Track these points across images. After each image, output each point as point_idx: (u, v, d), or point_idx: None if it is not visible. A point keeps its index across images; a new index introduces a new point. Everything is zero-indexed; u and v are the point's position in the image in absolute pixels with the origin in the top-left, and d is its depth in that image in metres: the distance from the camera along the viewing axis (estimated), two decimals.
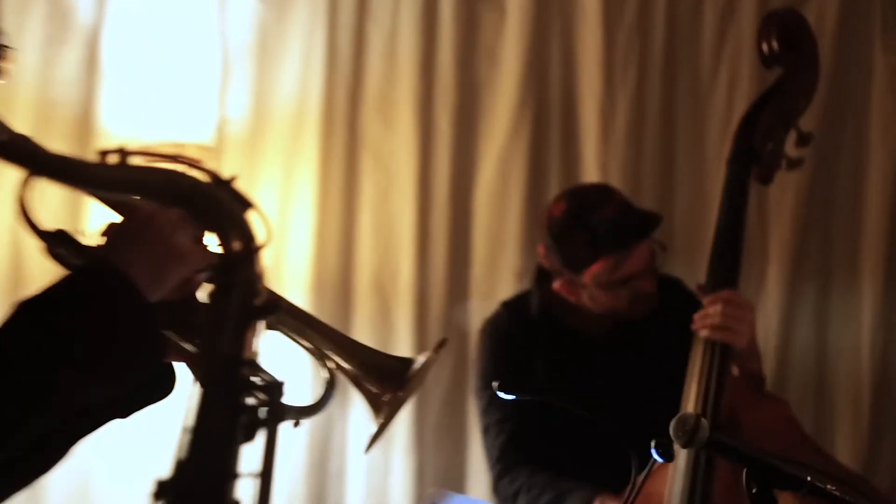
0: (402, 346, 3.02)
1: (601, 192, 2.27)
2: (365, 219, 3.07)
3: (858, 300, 3.02)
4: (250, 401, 0.97)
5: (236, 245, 1.00)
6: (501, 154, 3.04)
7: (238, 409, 0.95)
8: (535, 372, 2.30)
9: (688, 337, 2.14)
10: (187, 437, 0.93)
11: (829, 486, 1.33)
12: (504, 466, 2.25)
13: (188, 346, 1.07)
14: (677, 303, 2.33)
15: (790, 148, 2.31)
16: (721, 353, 2.06)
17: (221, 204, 1.02)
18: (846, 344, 3.02)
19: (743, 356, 2.10)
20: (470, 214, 3.08)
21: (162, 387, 1.12)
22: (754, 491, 1.35)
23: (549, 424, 2.24)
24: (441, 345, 1.34)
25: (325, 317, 2.95)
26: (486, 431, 2.32)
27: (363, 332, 3.03)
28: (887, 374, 3.02)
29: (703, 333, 2.09)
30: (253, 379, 0.97)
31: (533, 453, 2.25)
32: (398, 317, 3.03)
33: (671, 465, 1.98)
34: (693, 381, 2.06)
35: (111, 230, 1.09)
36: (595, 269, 2.17)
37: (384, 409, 1.32)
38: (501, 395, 1.51)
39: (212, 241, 1.05)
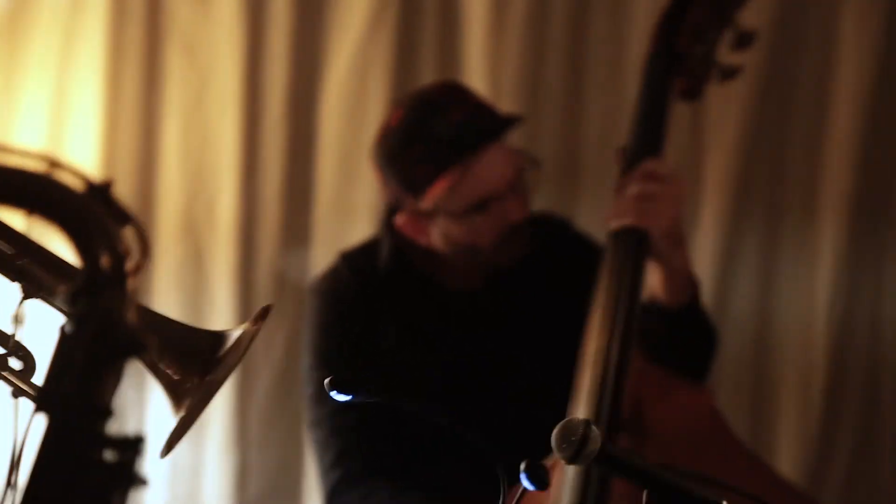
0: (218, 306, 3.01)
1: (449, 93, 2.27)
2: (170, 132, 3.03)
3: (814, 248, 3.10)
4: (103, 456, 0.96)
5: (103, 263, 0.99)
6: (358, 47, 3.03)
7: (83, 466, 0.94)
8: (385, 343, 2.31)
9: (582, 289, 2.18)
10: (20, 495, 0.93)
11: None
12: (344, 475, 2.22)
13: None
14: (566, 247, 2.38)
15: (726, 52, 2.36)
16: (631, 282, 2.11)
17: (87, 212, 1.00)
18: (796, 305, 3.11)
19: (663, 246, 2.15)
20: (314, 129, 3.06)
21: None
22: None
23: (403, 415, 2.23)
24: (264, 313, 1.33)
25: None
26: (316, 425, 2.29)
27: (166, 290, 3.02)
28: (847, 346, 3.13)
29: (612, 224, 2.16)
30: (107, 432, 0.96)
31: (382, 456, 2.25)
32: (214, 267, 3.02)
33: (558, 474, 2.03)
34: (592, 338, 2.10)
35: None
36: (437, 191, 2.18)
37: (187, 400, 1.32)
38: (334, 395, 1.51)
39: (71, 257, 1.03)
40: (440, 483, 2.21)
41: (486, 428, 2.19)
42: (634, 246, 2.15)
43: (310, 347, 2.35)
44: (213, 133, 3.04)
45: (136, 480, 0.96)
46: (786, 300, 3.06)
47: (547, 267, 2.32)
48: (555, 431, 1.40)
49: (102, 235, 1.00)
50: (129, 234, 1.07)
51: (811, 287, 3.12)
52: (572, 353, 2.26)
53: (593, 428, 1.41)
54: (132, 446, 0.96)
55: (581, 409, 2.05)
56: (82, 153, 3.01)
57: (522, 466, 1.38)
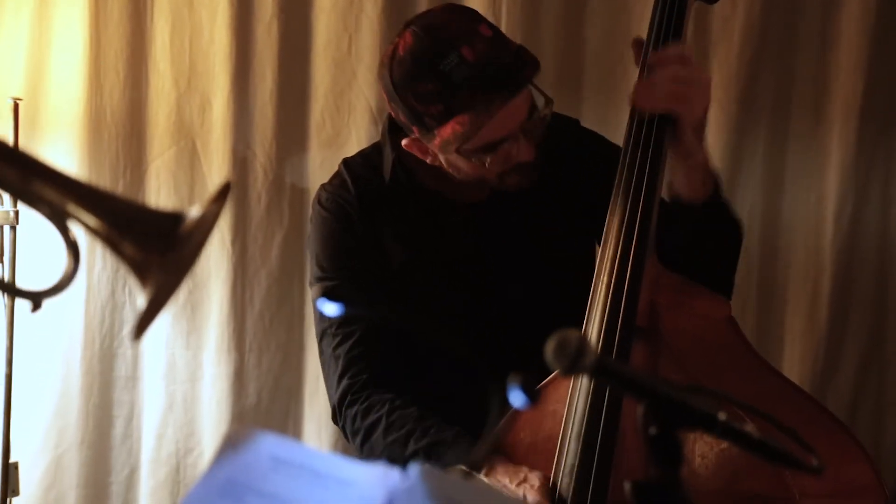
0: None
1: (463, 22, 2.16)
2: (160, 35, 3.01)
3: (822, 153, 3.08)
4: None
5: None
6: None
7: None
8: (388, 253, 2.29)
9: (597, 187, 2.15)
10: None
11: (747, 427, 1.37)
12: (350, 388, 2.23)
13: None
14: (578, 146, 2.31)
15: None
16: (653, 162, 2.07)
17: None
18: (804, 210, 3.09)
19: (689, 137, 2.08)
20: (307, 29, 3.03)
21: None
22: (653, 433, 1.38)
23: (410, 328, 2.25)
24: (223, 192, 1.31)
25: (107, 170, 2.99)
26: (322, 337, 2.29)
27: (159, 193, 3.01)
28: (855, 250, 3.12)
29: (641, 107, 2.08)
30: None
31: (386, 368, 2.24)
32: (208, 170, 3.02)
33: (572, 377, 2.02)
34: (608, 243, 2.08)
35: None
36: (446, 133, 2.13)
37: (150, 277, 1.31)
38: (325, 303, 1.49)
39: None
40: (442, 396, 2.21)
41: (492, 341, 2.21)
42: (659, 134, 2.09)
43: (312, 257, 2.34)
44: (205, 35, 3.01)
45: None
46: (793, 205, 3.03)
47: (558, 170, 2.26)
48: (549, 343, 1.38)
49: None
50: None
51: (819, 192, 3.10)
52: (586, 259, 2.24)
53: (588, 339, 1.39)
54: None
55: (596, 316, 2.04)
56: (70, 55, 2.98)
57: (511, 381, 1.36)
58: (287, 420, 3.05)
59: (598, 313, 2.05)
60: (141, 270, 1.31)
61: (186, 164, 3.03)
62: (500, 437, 2.10)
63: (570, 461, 2.01)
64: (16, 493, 2.75)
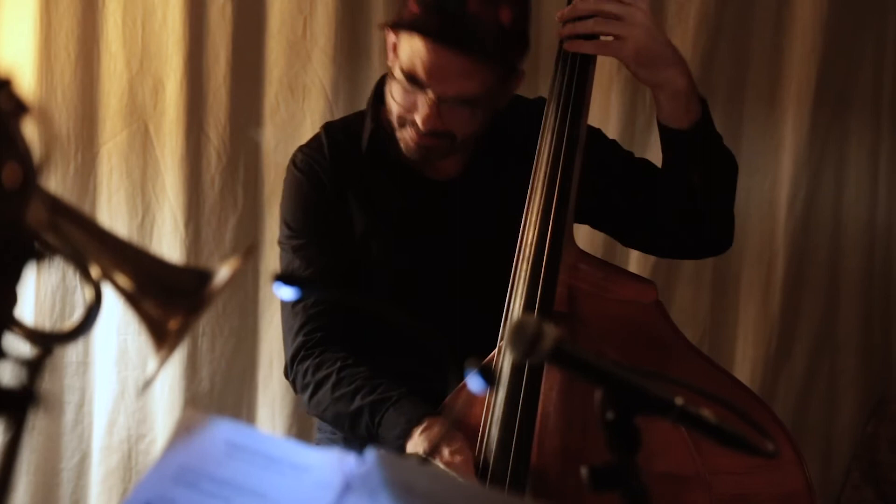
0: (167, 191, 2.98)
1: None
2: (112, 14, 2.97)
3: (777, 139, 3.10)
4: None
5: (8, 172, 0.93)
6: None
7: None
8: (353, 223, 2.31)
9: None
10: None
11: (704, 411, 1.38)
12: (304, 344, 2.27)
13: None
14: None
15: None
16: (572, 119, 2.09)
17: None
18: (758, 196, 3.12)
19: (642, 72, 2.11)
20: (262, 9, 3.01)
21: None
22: (610, 418, 1.39)
23: (370, 288, 2.28)
24: (249, 252, 1.30)
25: (58, 153, 2.95)
26: None
27: (111, 175, 2.98)
28: (808, 236, 3.14)
29: (569, 47, 2.11)
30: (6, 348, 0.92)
31: (349, 328, 2.27)
32: (162, 152, 3.00)
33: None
34: (528, 228, 2.10)
35: None
36: (391, 39, 2.20)
37: (169, 339, 1.28)
38: (281, 287, 1.49)
39: None
40: (396, 360, 2.23)
41: (447, 317, 2.22)
42: (581, 78, 2.11)
43: (282, 217, 2.38)
44: (157, 16, 2.98)
45: (35, 400, 0.92)
46: (747, 190, 3.05)
47: (529, 153, 2.26)
48: (508, 328, 1.38)
49: (6, 143, 0.94)
50: (31, 128, 1.03)
51: (773, 177, 3.12)
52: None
53: (547, 325, 1.39)
54: (33, 368, 0.92)
55: (517, 300, 2.08)
56: (18, 35, 2.94)
57: (469, 366, 1.36)
58: (241, 406, 3.04)
59: (519, 297, 2.08)
60: (159, 330, 1.26)
61: (139, 147, 3.00)
62: (454, 410, 2.13)
63: (491, 443, 2.06)
64: None
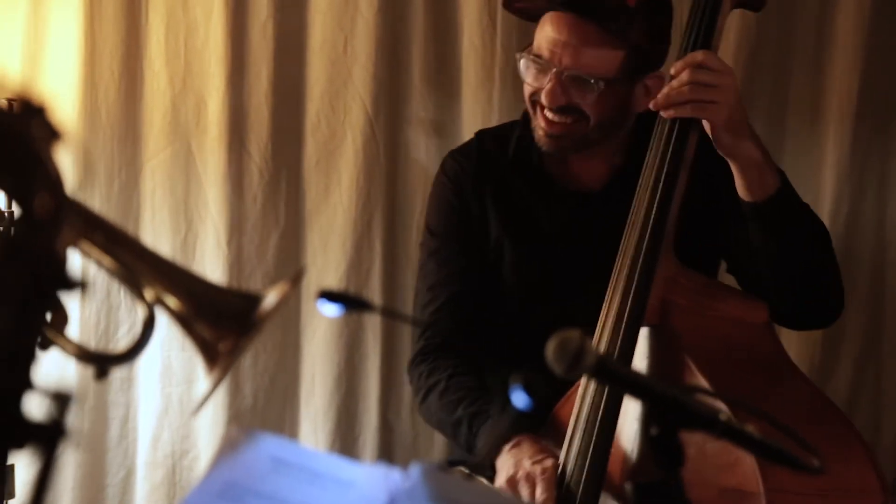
0: (209, 209, 3.00)
1: None
2: (155, 34, 3.00)
3: (819, 155, 3.08)
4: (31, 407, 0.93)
5: (39, 201, 0.94)
6: None
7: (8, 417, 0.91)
8: (488, 230, 2.39)
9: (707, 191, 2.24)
10: None
11: (747, 427, 1.38)
12: (423, 349, 2.38)
13: None
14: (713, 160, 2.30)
15: None
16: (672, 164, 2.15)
17: (20, 140, 0.95)
18: None
19: (725, 139, 2.15)
20: (302, 27, 3.03)
21: None
22: (654, 433, 1.39)
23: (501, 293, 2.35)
24: (298, 277, 1.32)
25: (102, 171, 2.98)
26: (415, 294, 2.48)
27: (154, 194, 3.01)
28: (852, 249, 3.12)
29: (666, 113, 2.17)
30: (35, 379, 0.92)
31: (466, 335, 2.36)
32: (205, 170, 3.01)
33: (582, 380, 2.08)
34: (628, 239, 2.16)
35: None
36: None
37: (220, 361, 1.30)
38: (325, 304, 1.50)
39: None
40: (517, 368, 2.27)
41: (573, 326, 2.25)
42: (680, 136, 2.17)
43: (426, 220, 2.50)
44: (200, 34, 3.01)
45: (63, 434, 0.92)
46: None
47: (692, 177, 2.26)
48: (550, 344, 1.39)
49: (38, 172, 0.95)
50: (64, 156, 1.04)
51: (816, 193, 3.10)
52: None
53: (589, 341, 1.40)
54: (62, 402, 0.92)
55: (612, 311, 2.13)
56: (64, 55, 2.98)
57: (514, 381, 1.37)
58: (283, 421, 3.05)
59: (613, 307, 2.14)
60: (211, 352, 1.29)
61: (182, 165, 3.02)
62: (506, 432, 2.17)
63: (575, 450, 2.09)
64: (11, 495, 2.75)
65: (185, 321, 1.31)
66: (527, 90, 2.30)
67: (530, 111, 2.31)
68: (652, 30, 2.27)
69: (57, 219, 0.95)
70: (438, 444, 3.03)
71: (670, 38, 2.33)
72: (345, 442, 3.00)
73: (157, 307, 1.29)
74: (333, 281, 2.97)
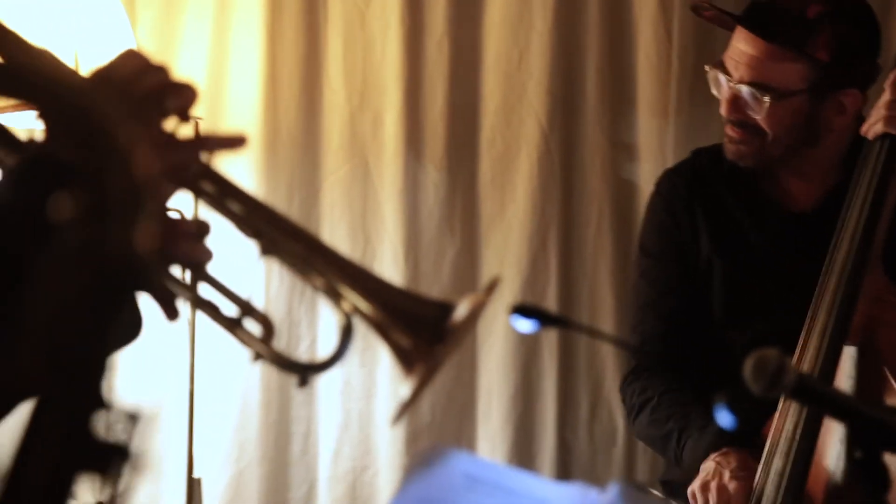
0: (387, 224, 3.04)
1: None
2: (333, 50, 3.06)
3: None
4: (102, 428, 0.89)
5: (112, 184, 0.86)
6: None
7: (78, 439, 0.86)
8: (699, 248, 2.38)
9: None
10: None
11: None
12: (636, 367, 2.40)
13: None
14: None
15: None
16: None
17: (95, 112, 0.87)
18: None
19: None
20: (477, 44, 3.06)
21: None
22: (858, 456, 1.36)
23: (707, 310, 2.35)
24: (492, 286, 1.33)
25: (283, 188, 3.04)
26: (629, 308, 2.53)
27: (333, 208, 3.06)
28: None
29: (877, 128, 2.15)
30: (106, 397, 0.88)
31: (679, 351, 2.37)
32: (382, 185, 3.05)
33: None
34: (836, 256, 2.14)
35: None
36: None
37: (417, 366, 1.32)
38: (519, 320, 1.51)
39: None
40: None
41: (775, 344, 2.23)
42: (885, 154, 2.15)
43: (639, 238, 2.51)
44: (377, 50, 3.05)
45: (129, 458, 0.88)
46: None
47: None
48: (748, 363, 1.37)
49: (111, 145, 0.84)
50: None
51: None
52: None
53: (788, 360, 1.37)
54: (132, 421, 0.87)
55: (815, 329, 2.12)
56: (246, 71, 3.05)
57: (718, 398, 1.35)
58: (460, 439, 3.06)
59: (817, 327, 2.12)
60: (408, 359, 1.31)
61: (360, 181, 3.06)
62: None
63: (773, 470, 2.08)
64: None
65: (380, 327, 1.33)
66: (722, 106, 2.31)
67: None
68: (837, 43, 2.21)
69: (131, 210, 0.86)
70: (616, 464, 3.02)
71: (873, 54, 2.27)
72: (522, 459, 3.00)
73: (353, 315, 1.31)
74: (509, 298, 2.97)
